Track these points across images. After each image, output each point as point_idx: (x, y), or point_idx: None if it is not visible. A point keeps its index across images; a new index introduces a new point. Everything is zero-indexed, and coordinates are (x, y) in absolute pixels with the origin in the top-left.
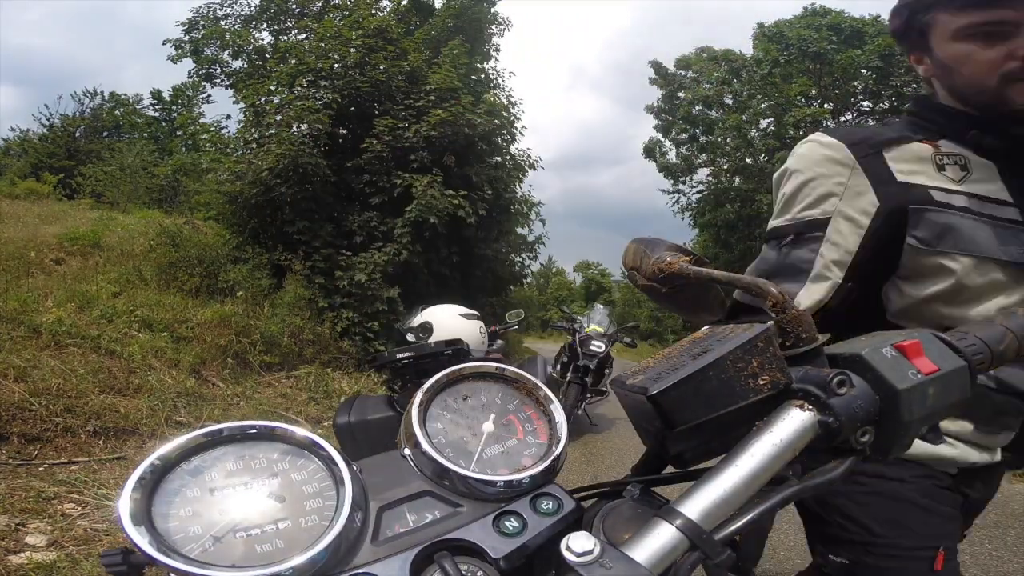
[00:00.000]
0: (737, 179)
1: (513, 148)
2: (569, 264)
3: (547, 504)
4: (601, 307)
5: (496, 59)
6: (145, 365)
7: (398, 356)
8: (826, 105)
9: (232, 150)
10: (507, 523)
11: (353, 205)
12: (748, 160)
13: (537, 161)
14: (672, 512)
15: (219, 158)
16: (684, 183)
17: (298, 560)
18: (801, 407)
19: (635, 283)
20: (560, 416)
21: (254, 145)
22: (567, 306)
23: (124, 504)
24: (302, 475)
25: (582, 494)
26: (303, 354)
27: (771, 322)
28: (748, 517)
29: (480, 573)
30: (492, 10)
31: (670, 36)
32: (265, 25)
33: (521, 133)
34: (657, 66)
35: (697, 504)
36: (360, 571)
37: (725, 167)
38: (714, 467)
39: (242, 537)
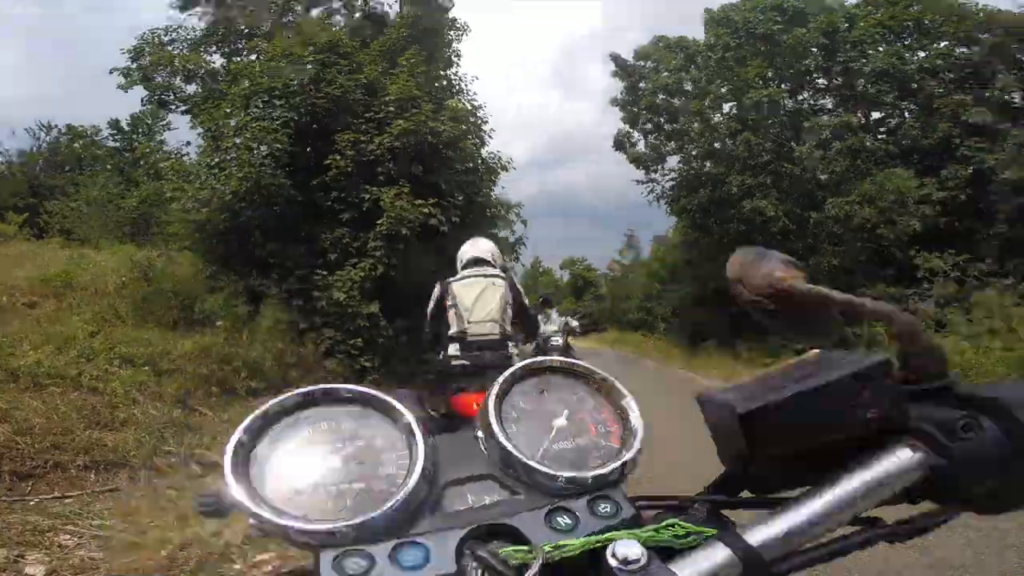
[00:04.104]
0: (708, 164)
1: (484, 152)
2: (555, 262)
3: (605, 507)
4: (553, 313)
5: (458, 65)
6: (129, 399)
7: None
8: (783, 85)
9: (194, 177)
10: (560, 519)
11: (323, 223)
12: (716, 144)
13: (509, 162)
14: (734, 536)
15: (181, 186)
16: (656, 172)
17: (360, 519)
18: (913, 447)
19: (738, 298)
20: (637, 423)
21: (216, 170)
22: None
23: (228, 452)
24: (383, 442)
25: (645, 503)
26: (288, 377)
27: (889, 353)
28: (820, 553)
29: (528, 554)
30: (449, 16)
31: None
32: (215, 48)
33: (490, 136)
34: (616, 58)
35: (764, 532)
36: (412, 539)
37: (694, 153)
38: (796, 497)
39: (319, 493)
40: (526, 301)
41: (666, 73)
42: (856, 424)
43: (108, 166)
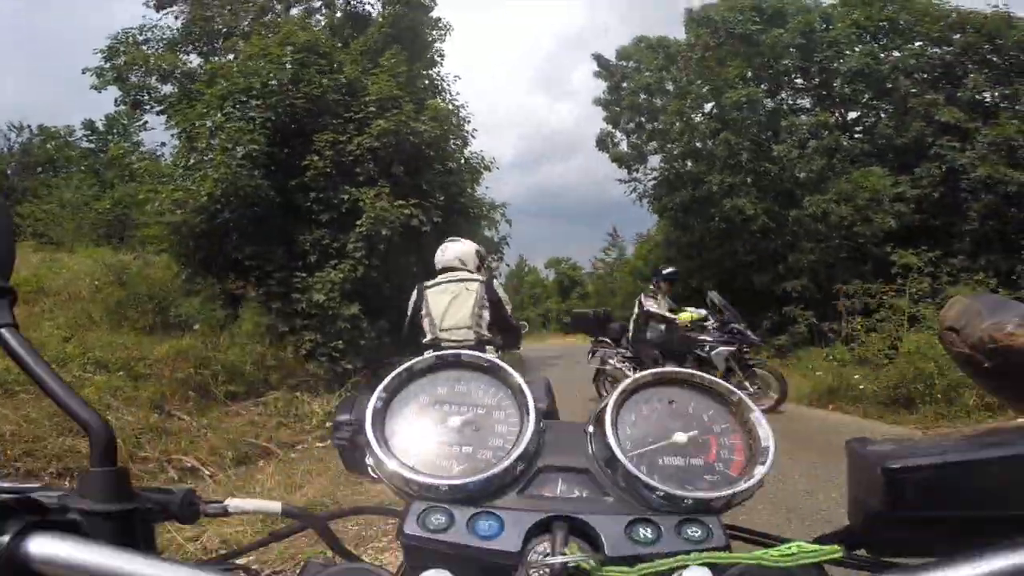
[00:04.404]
0: (688, 163)
1: (467, 152)
2: (540, 261)
3: (695, 531)
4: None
5: (440, 64)
6: (103, 405)
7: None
8: (762, 86)
9: (168, 178)
10: (642, 531)
11: (302, 224)
12: (696, 144)
13: (492, 162)
14: None
15: (155, 187)
16: (638, 171)
17: (453, 481)
18: None
19: (949, 348)
20: (768, 456)
21: (192, 172)
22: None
23: (373, 399)
24: (499, 414)
25: (740, 534)
26: (269, 380)
27: None
28: None
29: (585, 561)
30: (431, 16)
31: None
32: (192, 47)
33: (472, 136)
34: (599, 58)
35: None
36: (492, 510)
37: (676, 152)
38: (916, 565)
39: (432, 449)
40: (506, 305)
41: (648, 73)
42: None
43: (82, 167)
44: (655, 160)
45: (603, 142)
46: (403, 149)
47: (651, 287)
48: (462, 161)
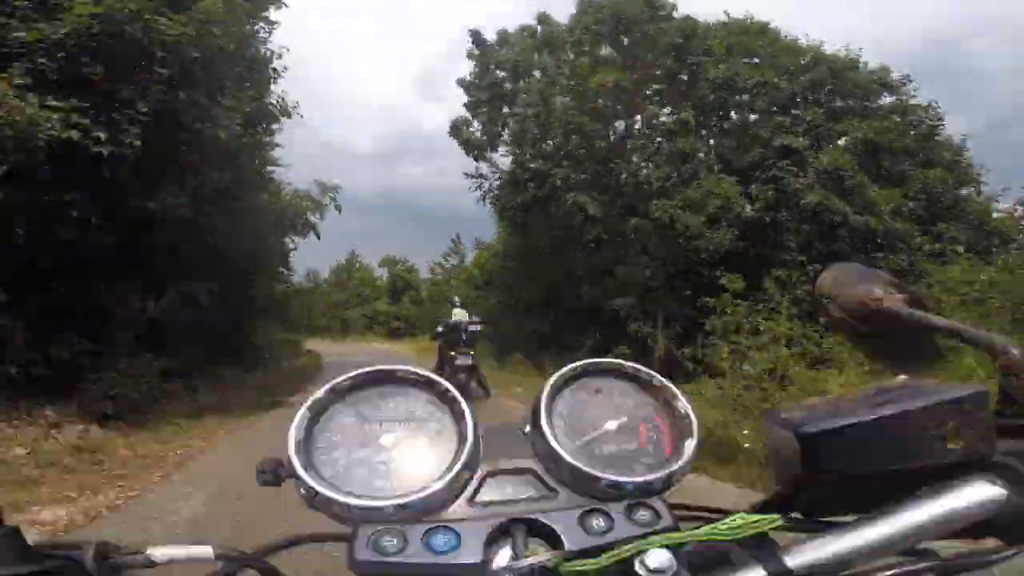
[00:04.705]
0: (539, 161)
1: (273, 91)
2: (375, 259)
3: (644, 514)
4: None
5: None
6: None
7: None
8: (634, 76)
9: None
10: (594, 521)
11: None
12: (550, 137)
13: (294, 108)
14: (772, 556)
15: None
16: (487, 161)
17: (400, 500)
18: (992, 482)
19: (827, 314)
20: (693, 433)
21: None
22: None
23: (294, 425)
24: (435, 426)
25: (684, 512)
26: None
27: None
28: None
29: (550, 560)
30: None
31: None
32: None
33: (281, 74)
34: (475, 35)
35: (807, 555)
36: (446, 524)
37: (528, 140)
38: (849, 522)
39: (368, 470)
40: None
41: (518, 49)
42: (934, 453)
43: None
44: (506, 160)
45: (457, 128)
46: (116, 47)
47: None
48: (253, 103)
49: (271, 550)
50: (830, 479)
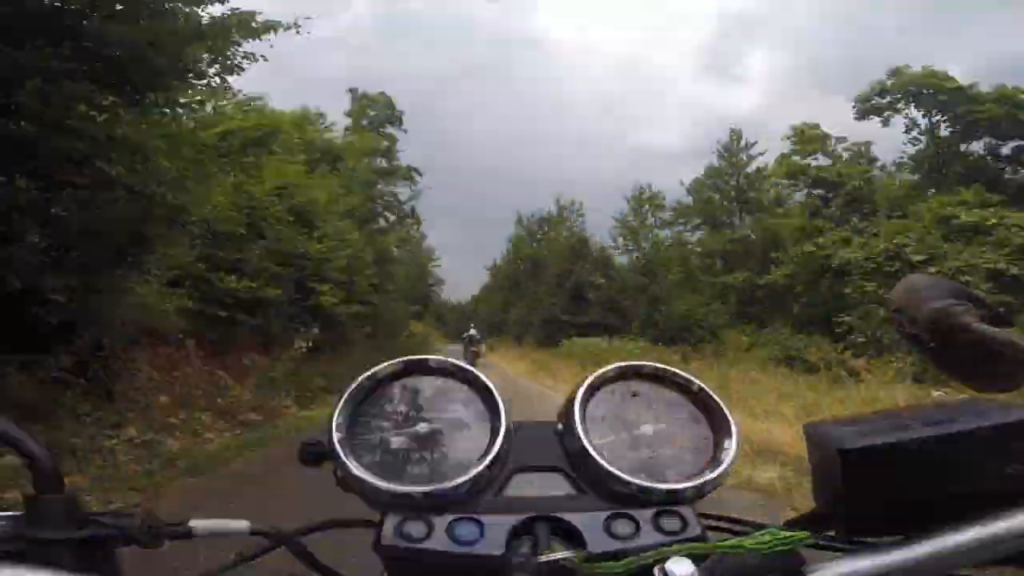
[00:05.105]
0: None
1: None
2: None
3: (671, 522)
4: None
5: None
6: None
7: None
8: None
9: None
10: (620, 526)
11: None
12: None
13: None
14: (799, 574)
15: None
16: None
17: (430, 488)
18: None
19: (900, 329)
20: (732, 443)
21: None
22: None
23: (337, 408)
24: (469, 418)
25: (714, 522)
26: None
27: None
28: None
29: (571, 560)
30: None
31: None
32: None
33: None
34: None
35: (836, 571)
36: (472, 516)
37: None
38: (888, 544)
39: (402, 457)
40: None
41: None
42: (990, 480)
43: None
44: None
45: None
46: None
47: None
48: None
49: (304, 531)
50: (872, 498)
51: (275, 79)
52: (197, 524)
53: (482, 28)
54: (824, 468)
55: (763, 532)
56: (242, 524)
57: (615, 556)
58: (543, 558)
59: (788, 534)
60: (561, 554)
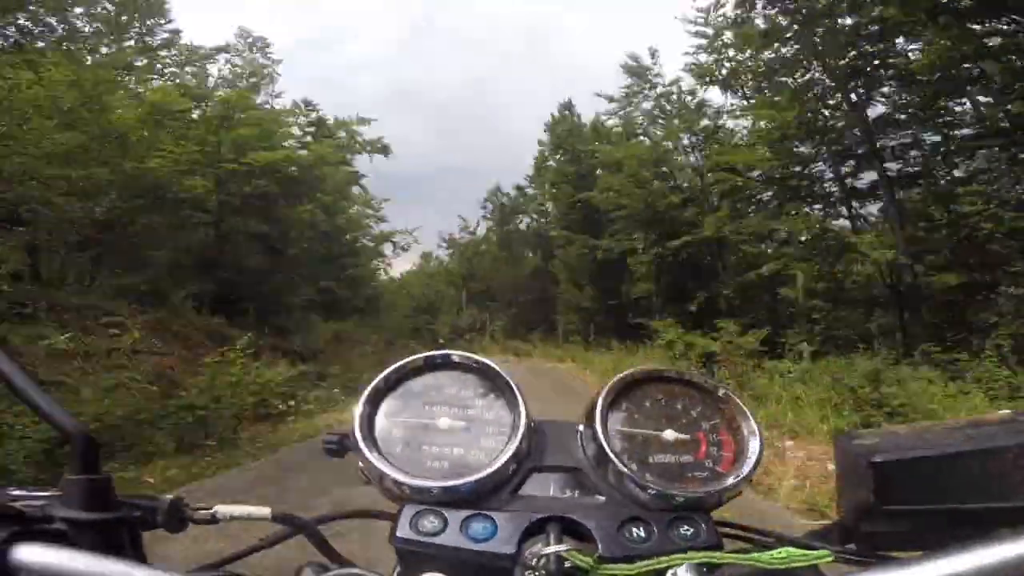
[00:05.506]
0: None
1: None
2: None
3: (686, 529)
4: None
5: None
6: None
7: None
8: None
9: None
10: (634, 530)
11: None
12: None
13: None
14: None
15: None
16: None
17: (447, 483)
18: None
19: None
20: (755, 451)
21: None
22: None
23: (361, 401)
24: (491, 415)
25: (730, 530)
26: None
27: None
28: None
29: (582, 560)
30: None
31: None
32: None
33: None
34: None
35: None
36: (486, 512)
37: None
38: (907, 560)
39: (423, 451)
40: None
41: None
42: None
43: None
44: None
45: None
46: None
47: None
48: None
49: (323, 520)
50: (901, 512)
51: None
52: (221, 509)
53: None
54: (853, 479)
55: (780, 551)
56: (263, 511)
57: (627, 560)
58: (554, 557)
59: (805, 552)
60: (572, 555)
